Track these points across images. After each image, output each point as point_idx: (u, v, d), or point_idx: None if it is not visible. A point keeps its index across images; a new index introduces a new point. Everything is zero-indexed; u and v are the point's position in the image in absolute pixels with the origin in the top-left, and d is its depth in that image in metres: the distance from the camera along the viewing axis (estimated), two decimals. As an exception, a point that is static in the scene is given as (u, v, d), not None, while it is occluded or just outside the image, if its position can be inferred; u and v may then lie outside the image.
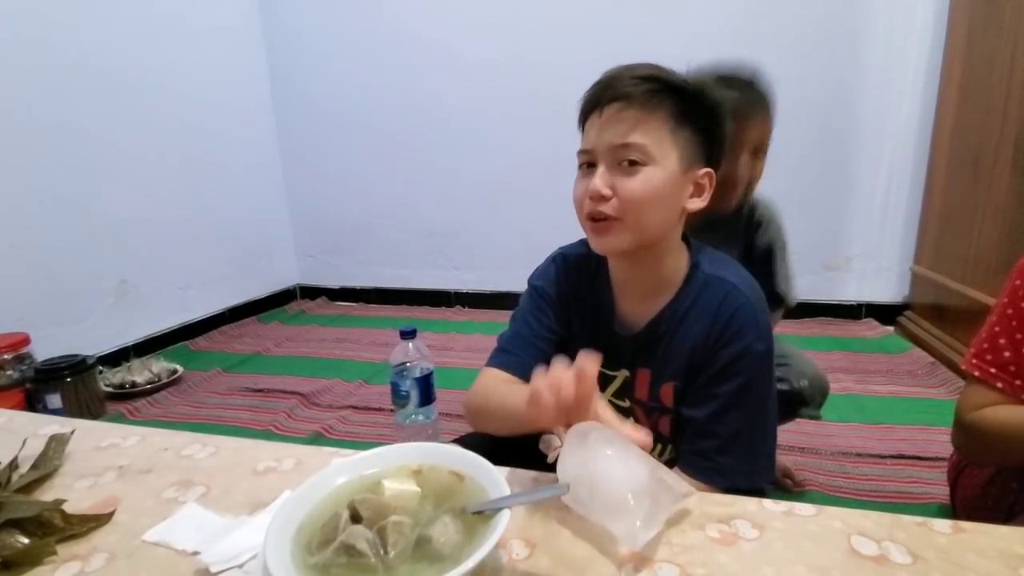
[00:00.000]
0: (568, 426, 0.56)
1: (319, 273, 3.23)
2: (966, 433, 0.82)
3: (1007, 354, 0.77)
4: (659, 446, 0.79)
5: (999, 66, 1.73)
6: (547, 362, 0.69)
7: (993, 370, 0.78)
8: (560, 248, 0.86)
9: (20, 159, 1.92)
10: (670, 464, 0.75)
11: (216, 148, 2.70)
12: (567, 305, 0.82)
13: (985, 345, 0.80)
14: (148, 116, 2.35)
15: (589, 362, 0.53)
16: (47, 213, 2.00)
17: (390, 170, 2.93)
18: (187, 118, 2.53)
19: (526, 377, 0.70)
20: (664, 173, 0.67)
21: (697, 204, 0.72)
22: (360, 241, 3.10)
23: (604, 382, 0.81)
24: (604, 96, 0.67)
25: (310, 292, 3.25)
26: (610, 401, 0.81)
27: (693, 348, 0.72)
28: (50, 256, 2.01)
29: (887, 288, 2.46)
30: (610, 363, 0.79)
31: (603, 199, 0.67)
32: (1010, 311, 0.77)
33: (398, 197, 2.95)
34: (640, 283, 0.76)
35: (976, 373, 0.80)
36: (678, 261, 0.75)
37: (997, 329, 0.79)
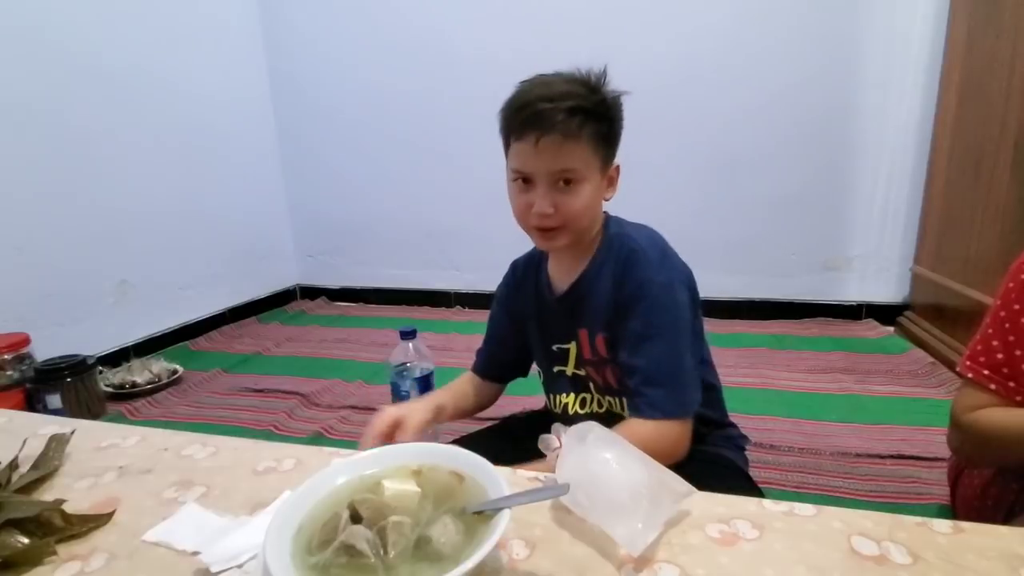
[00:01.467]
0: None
1: (319, 273, 3.23)
2: (962, 435, 0.83)
3: (1000, 356, 0.77)
4: (620, 400, 0.87)
5: (999, 66, 1.73)
6: (511, 350, 1.02)
7: (987, 372, 0.78)
8: (514, 260, 1.02)
9: (20, 159, 1.92)
10: (619, 417, 0.84)
11: (216, 148, 2.70)
12: (516, 298, 0.98)
13: (979, 347, 0.80)
14: (148, 116, 2.35)
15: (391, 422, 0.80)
16: (47, 213, 2.00)
17: (390, 170, 2.93)
18: (187, 118, 2.53)
19: (487, 373, 1.03)
20: (592, 184, 0.79)
21: (611, 193, 0.86)
22: (360, 241, 3.10)
23: (563, 357, 0.91)
24: (536, 125, 0.75)
25: (310, 292, 3.25)
26: (574, 373, 0.91)
27: (606, 298, 0.83)
28: (50, 256, 2.01)
29: (887, 288, 2.46)
30: (561, 336, 0.91)
31: (548, 216, 0.78)
32: (1003, 313, 0.78)
33: (398, 197, 2.95)
34: (569, 258, 0.88)
35: (970, 375, 0.80)
36: (596, 230, 0.87)
37: (990, 331, 0.79)
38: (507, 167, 0.82)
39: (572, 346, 0.89)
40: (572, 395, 0.92)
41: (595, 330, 0.86)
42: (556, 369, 0.93)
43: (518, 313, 0.98)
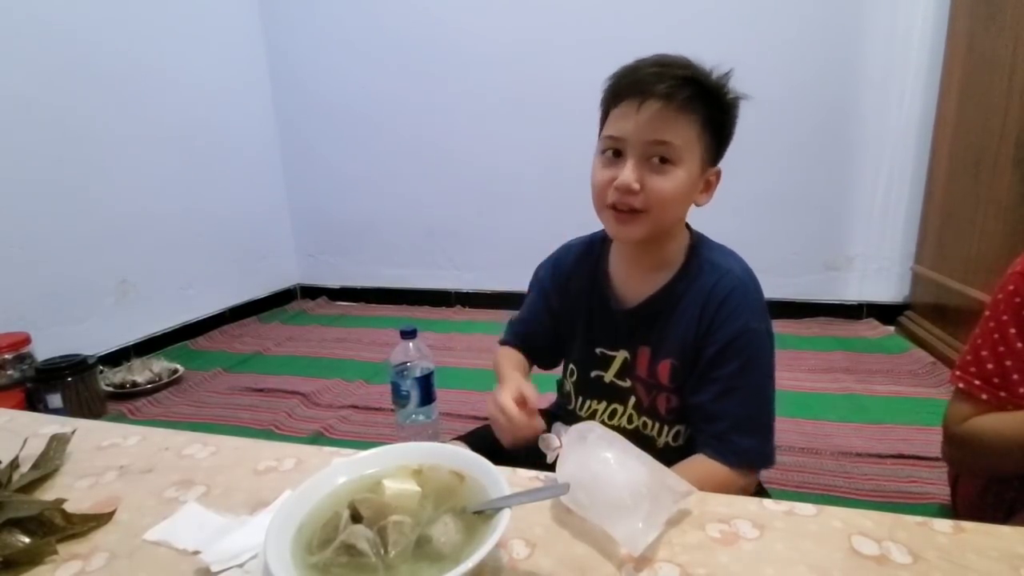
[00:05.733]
0: (519, 441, 0.67)
1: (319, 273, 3.23)
2: (957, 445, 0.83)
3: (990, 366, 0.78)
4: (658, 425, 0.82)
5: (1000, 65, 1.73)
6: (547, 340, 0.92)
7: (977, 382, 0.79)
8: (570, 240, 0.93)
9: (20, 159, 1.92)
10: (671, 450, 0.79)
11: (217, 147, 2.70)
12: (564, 290, 0.89)
13: (969, 358, 0.81)
14: (149, 115, 2.35)
15: (524, 389, 0.69)
16: (48, 213, 2.00)
17: (391, 170, 2.93)
18: (188, 117, 2.53)
19: (525, 348, 0.93)
20: (688, 174, 0.71)
21: (704, 199, 0.77)
22: (360, 241, 3.10)
23: (605, 363, 0.84)
24: (644, 90, 0.68)
25: (311, 292, 3.25)
26: (612, 380, 0.84)
27: (687, 328, 0.76)
28: (51, 256, 2.01)
29: (888, 288, 2.46)
30: (610, 342, 0.83)
31: (632, 192, 0.70)
32: (991, 324, 0.78)
33: (399, 197, 2.95)
34: (642, 263, 0.80)
35: (961, 385, 0.81)
36: (679, 244, 0.80)
37: (979, 341, 0.80)
38: (598, 142, 0.75)
39: (620, 355, 0.82)
40: (604, 403, 0.86)
41: (661, 354, 0.78)
42: (594, 374, 0.86)
43: (563, 309, 0.89)
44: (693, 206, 0.78)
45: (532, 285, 0.95)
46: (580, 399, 0.89)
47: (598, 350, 0.85)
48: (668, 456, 0.74)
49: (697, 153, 0.71)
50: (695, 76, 0.69)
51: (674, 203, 0.72)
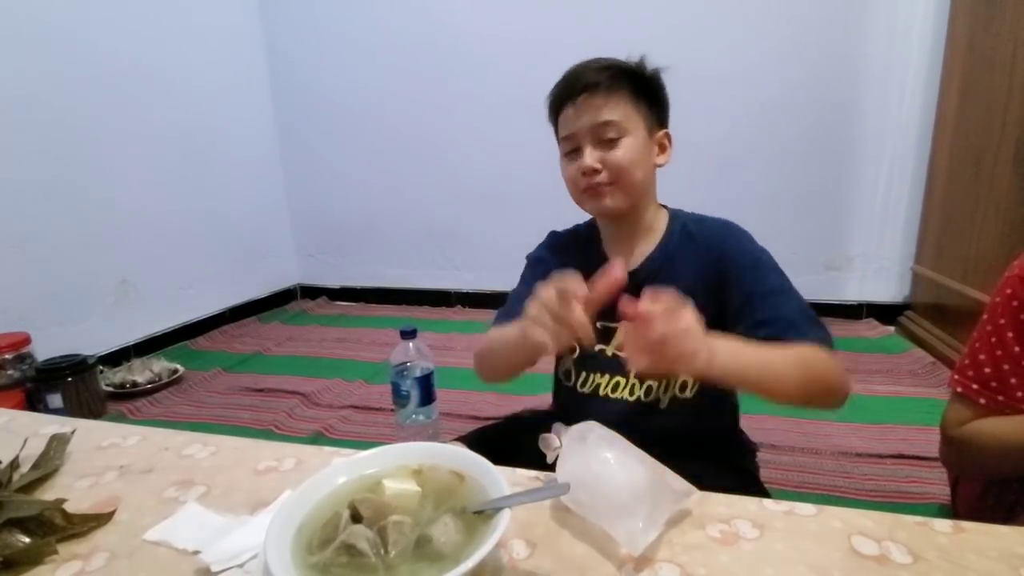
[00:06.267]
0: (561, 342, 0.57)
1: (319, 273, 3.23)
2: (955, 448, 0.83)
3: (987, 370, 0.78)
4: (664, 383, 0.83)
5: (1000, 65, 1.73)
6: None
7: (975, 386, 0.79)
8: (553, 230, 0.98)
9: (21, 159, 1.92)
10: (681, 403, 0.82)
11: (217, 147, 2.70)
12: (560, 262, 0.89)
13: (966, 362, 0.81)
14: (149, 115, 2.35)
15: (569, 280, 0.56)
16: (48, 213, 2.00)
17: (391, 170, 2.93)
18: (188, 117, 2.53)
19: None
20: (636, 140, 0.80)
21: (664, 159, 0.86)
22: (360, 241, 3.10)
23: (607, 336, 0.85)
24: (575, 87, 0.80)
25: (310, 292, 3.25)
26: (613, 354, 0.85)
27: (694, 278, 0.79)
28: (51, 256, 2.01)
29: (888, 288, 2.46)
30: (611, 314, 0.78)
31: (596, 172, 0.79)
32: (989, 328, 0.78)
33: (398, 197, 2.95)
34: (629, 235, 0.87)
35: (958, 389, 0.81)
36: (658, 212, 0.88)
37: (977, 345, 0.80)
38: (559, 147, 0.85)
39: (621, 326, 0.82)
40: (607, 377, 0.87)
41: None
42: (597, 347, 0.86)
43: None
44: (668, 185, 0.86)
45: (525, 271, 0.94)
46: (582, 374, 0.89)
47: (599, 324, 0.84)
48: (680, 408, 0.82)
49: (639, 121, 0.81)
50: (614, 62, 0.81)
51: (634, 167, 0.80)
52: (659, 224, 0.87)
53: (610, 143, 0.79)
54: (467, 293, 2.96)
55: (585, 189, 0.81)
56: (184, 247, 2.54)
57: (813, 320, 0.76)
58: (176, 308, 2.52)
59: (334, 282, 3.21)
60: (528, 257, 0.97)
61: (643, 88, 0.81)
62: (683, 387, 0.83)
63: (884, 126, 2.31)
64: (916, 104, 2.25)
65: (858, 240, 2.45)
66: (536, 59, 2.58)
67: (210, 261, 2.68)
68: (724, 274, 0.79)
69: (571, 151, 0.82)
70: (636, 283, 0.77)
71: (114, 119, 2.22)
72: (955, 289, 1.95)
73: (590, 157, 0.79)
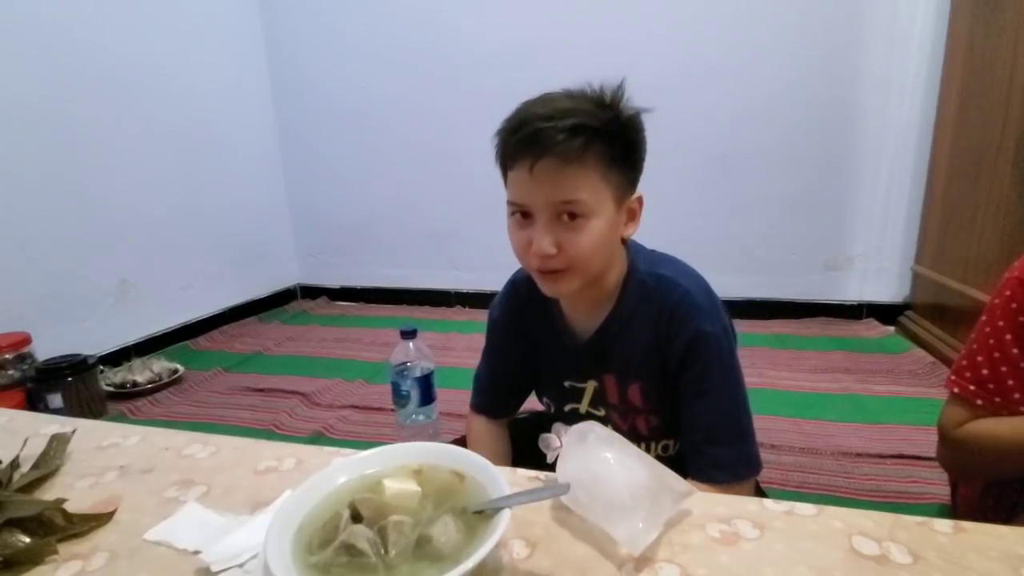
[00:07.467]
0: None
1: (320, 273, 3.23)
2: (953, 448, 0.83)
3: (985, 372, 0.78)
4: (643, 445, 0.81)
5: (1000, 66, 1.73)
6: (520, 380, 0.90)
7: (973, 387, 0.79)
8: (512, 275, 0.89)
9: (21, 159, 1.92)
10: (663, 461, 0.78)
11: (217, 147, 2.70)
12: (520, 328, 0.87)
13: (964, 363, 0.81)
14: (149, 116, 2.35)
15: None
16: (48, 213, 2.00)
17: (391, 170, 2.93)
18: (188, 117, 2.53)
19: (504, 411, 0.92)
20: (604, 220, 0.67)
21: (632, 229, 0.74)
22: (361, 241, 3.10)
23: (576, 394, 0.84)
24: (533, 148, 0.64)
25: (311, 292, 3.25)
26: (587, 411, 0.84)
27: (645, 347, 0.75)
28: (51, 256, 2.01)
29: (888, 288, 2.46)
30: (576, 375, 0.82)
31: (550, 256, 0.67)
32: (987, 329, 0.78)
33: (398, 197, 2.95)
34: (585, 300, 0.78)
35: (956, 390, 0.81)
36: (617, 273, 0.77)
37: (975, 346, 0.80)
38: (506, 200, 0.71)
39: (589, 385, 0.82)
40: None
41: (627, 379, 0.78)
42: (568, 407, 0.85)
43: (529, 334, 0.86)
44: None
45: (489, 329, 0.92)
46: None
47: (567, 383, 0.84)
48: (665, 463, 0.75)
49: (608, 196, 0.67)
50: (584, 122, 0.63)
51: (596, 254, 0.68)
52: (618, 283, 0.77)
53: (571, 222, 0.66)
54: (467, 293, 2.96)
55: (536, 268, 0.70)
56: (184, 247, 2.54)
57: (735, 434, 0.72)
58: (176, 308, 2.53)
59: (334, 282, 3.21)
60: (489, 316, 0.92)
61: (617, 150, 0.66)
62: (664, 449, 0.82)
63: (884, 126, 2.31)
64: (916, 104, 2.25)
65: (858, 240, 2.45)
66: (537, 59, 2.59)
67: (210, 261, 2.68)
68: (671, 348, 0.73)
69: (520, 215, 0.69)
70: (593, 353, 0.80)
71: (114, 119, 2.22)
72: (955, 289, 1.95)
73: (544, 239, 0.66)
